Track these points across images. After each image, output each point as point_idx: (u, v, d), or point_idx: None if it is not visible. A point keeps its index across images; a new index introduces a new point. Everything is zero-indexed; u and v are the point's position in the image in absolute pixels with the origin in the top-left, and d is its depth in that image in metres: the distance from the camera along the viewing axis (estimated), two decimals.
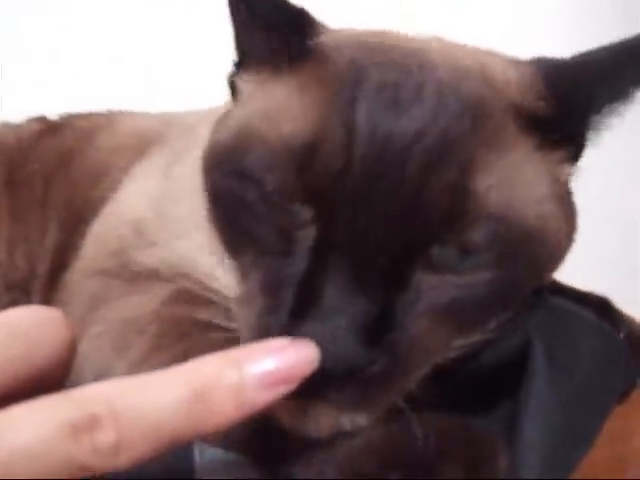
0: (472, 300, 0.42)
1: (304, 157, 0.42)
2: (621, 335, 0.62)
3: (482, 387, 0.45)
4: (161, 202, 0.63)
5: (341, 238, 0.41)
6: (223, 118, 0.52)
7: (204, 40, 1.33)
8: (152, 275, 0.60)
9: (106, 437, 0.29)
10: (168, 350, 0.51)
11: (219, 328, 0.48)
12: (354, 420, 0.42)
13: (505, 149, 0.43)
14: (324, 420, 0.42)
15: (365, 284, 0.40)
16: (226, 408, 0.32)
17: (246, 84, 0.51)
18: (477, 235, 0.41)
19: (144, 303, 0.56)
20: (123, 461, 0.29)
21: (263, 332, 0.41)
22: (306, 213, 0.42)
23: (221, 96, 0.62)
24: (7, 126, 0.91)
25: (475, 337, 0.45)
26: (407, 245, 0.41)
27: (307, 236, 0.42)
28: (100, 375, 0.54)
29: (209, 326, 0.49)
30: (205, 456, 0.44)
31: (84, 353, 0.56)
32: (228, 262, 0.48)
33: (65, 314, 0.60)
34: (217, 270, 0.56)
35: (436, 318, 0.42)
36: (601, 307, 0.66)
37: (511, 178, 0.43)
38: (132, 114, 0.92)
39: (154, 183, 0.66)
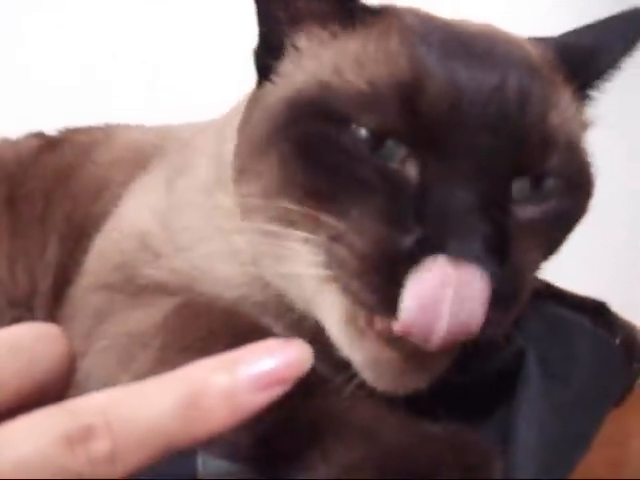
0: (548, 227, 0.48)
1: (409, 95, 0.46)
2: (617, 340, 0.63)
3: (479, 395, 0.46)
4: (165, 215, 0.64)
5: (457, 167, 0.44)
6: (275, 88, 0.53)
7: (205, 41, 1.33)
8: (158, 288, 0.60)
9: (101, 447, 0.29)
10: (172, 363, 0.51)
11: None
12: None
13: (561, 94, 0.51)
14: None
15: (485, 210, 0.43)
16: (219, 414, 0.32)
17: (305, 43, 0.53)
18: (554, 161, 0.48)
19: (148, 317, 0.56)
20: (119, 470, 0.30)
21: (386, 260, 0.42)
22: (400, 150, 0.46)
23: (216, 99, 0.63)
24: (6, 142, 0.91)
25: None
26: (510, 172, 0.46)
27: (410, 172, 0.45)
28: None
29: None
30: (208, 466, 0.44)
31: (90, 367, 0.56)
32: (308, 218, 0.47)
33: (70, 329, 0.62)
34: (234, 274, 0.58)
35: (530, 243, 0.47)
36: (598, 312, 0.67)
37: (570, 116, 0.51)
38: (129, 127, 0.93)
39: (156, 197, 0.66)
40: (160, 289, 0.60)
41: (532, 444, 0.43)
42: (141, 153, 0.80)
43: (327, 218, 0.46)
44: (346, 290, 0.45)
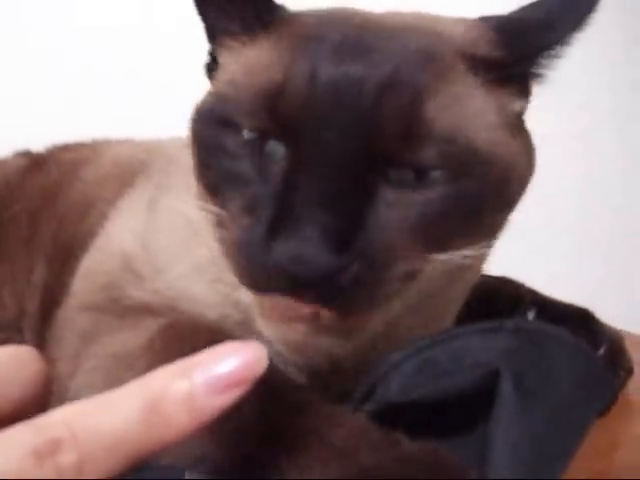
0: (435, 214, 0.49)
1: (274, 96, 0.50)
2: (602, 350, 0.63)
3: (459, 412, 0.46)
4: (146, 236, 0.65)
5: (309, 161, 0.48)
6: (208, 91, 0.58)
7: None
8: (142, 309, 0.61)
9: (68, 458, 0.30)
10: None
11: None
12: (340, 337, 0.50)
13: (453, 83, 0.51)
14: (316, 338, 0.50)
15: (333, 199, 0.47)
16: (181, 419, 0.32)
17: (224, 55, 0.58)
18: (428, 154, 0.48)
19: (133, 338, 0.57)
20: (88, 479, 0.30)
21: (246, 244, 0.49)
22: (280, 149, 0.50)
23: None
24: None
25: (457, 254, 0.51)
26: (368, 164, 0.48)
27: (280, 166, 0.50)
28: None
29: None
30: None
31: (78, 388, 0.57)
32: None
33: (59, 350, 0.62)
34: (208, 293, 0.59)
35: (406, 230, 0.48)
36: (582, 320, 0.67)
37: (459, 107, 0.51)
38: (118, 142, 0.93)
39: (139, 217, 0.67)
40: (145, 310, 0.61)
41: (505, 462, 0.43)
42: (128, 169, 0.80)
43: (215, 208, 0.53)
44: (230, 269, 0.52)
